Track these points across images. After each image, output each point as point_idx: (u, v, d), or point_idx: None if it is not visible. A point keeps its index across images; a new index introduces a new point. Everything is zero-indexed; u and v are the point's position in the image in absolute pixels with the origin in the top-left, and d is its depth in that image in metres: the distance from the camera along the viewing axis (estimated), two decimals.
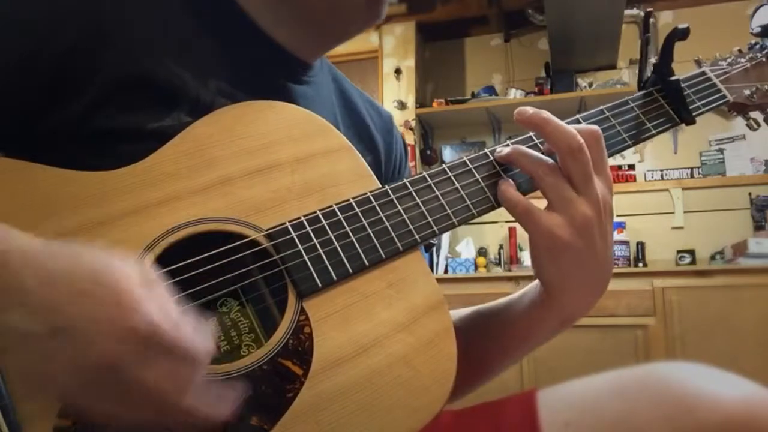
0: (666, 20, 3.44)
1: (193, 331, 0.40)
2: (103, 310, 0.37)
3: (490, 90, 3.63)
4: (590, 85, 3.51)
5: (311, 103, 0.65)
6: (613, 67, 3.52)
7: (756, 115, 0.76)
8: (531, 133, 0.61)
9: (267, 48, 0.62)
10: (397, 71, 3.65)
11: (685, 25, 0.66)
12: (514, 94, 3.50)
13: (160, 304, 0.39)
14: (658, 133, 0.67)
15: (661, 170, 3.40)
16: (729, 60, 0.75)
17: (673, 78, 0.68)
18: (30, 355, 0.37)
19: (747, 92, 0.73)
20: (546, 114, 0.56)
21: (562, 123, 0.56)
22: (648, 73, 0.71)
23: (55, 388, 0.38)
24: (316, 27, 0.63)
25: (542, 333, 0.63)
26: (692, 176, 3.36)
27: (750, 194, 3.20)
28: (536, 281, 0.61)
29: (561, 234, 0.54)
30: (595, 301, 0.60)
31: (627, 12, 3.17)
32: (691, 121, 0.68)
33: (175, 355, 0.39)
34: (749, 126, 0.75)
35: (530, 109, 0.57)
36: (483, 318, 0.69)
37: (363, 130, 0.76)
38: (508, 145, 0.60)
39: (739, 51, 0.76)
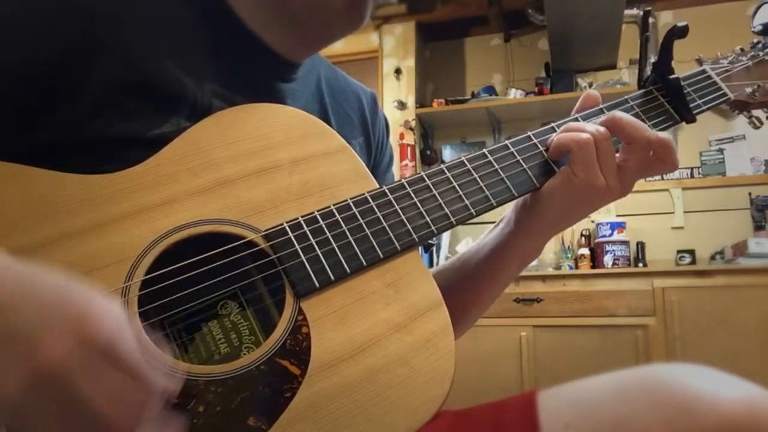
0: (666, 20, 3.44)
1: (153, 366, 0.37)
2: (61, 317, 0.34)
3: (490, 90, 3.62)
4: (590, 85, 3.50)
5: (300, 100, 0.66)
6: (613, 67, 3.51)
7: (758, 113, 0.76)
8: (552, 124, 0.64)
9: (256, 49, 0.62)
10: (397, 71, 3.64)
11: (683, 23, 0.66)
12: (514, 94, 3.48)
13: (123, 327, 0.36)
14: (659, 131, 0.67)
15: None
16: (730, 58, 0.75)
17: (673, 76, 0.68)
18: None
19: (749, 90, 0.73)
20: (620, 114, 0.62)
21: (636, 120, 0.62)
22: (648, 71, 0.70)
23: None
24: (299, 29, 0.63)
25: (513, 260, 0.68)
26: (692, 176, 3.35)
27: (750, 194, 3.19)
28: (497, 230, 0.68)
29: (596, 189, 0.59)
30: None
31: (627, 12, 3.17)
32: (691, 120, 0.68)
33: (131, 377, 0.35)
34: (752, 124, 0.75)
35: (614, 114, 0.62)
36: (455, 266, 0.73)
37: (353, 113, 0.76)
38: (554, 129, 0.63)
39: (741, 49, 0.76)
